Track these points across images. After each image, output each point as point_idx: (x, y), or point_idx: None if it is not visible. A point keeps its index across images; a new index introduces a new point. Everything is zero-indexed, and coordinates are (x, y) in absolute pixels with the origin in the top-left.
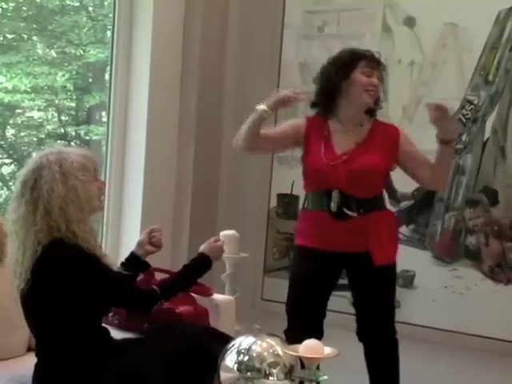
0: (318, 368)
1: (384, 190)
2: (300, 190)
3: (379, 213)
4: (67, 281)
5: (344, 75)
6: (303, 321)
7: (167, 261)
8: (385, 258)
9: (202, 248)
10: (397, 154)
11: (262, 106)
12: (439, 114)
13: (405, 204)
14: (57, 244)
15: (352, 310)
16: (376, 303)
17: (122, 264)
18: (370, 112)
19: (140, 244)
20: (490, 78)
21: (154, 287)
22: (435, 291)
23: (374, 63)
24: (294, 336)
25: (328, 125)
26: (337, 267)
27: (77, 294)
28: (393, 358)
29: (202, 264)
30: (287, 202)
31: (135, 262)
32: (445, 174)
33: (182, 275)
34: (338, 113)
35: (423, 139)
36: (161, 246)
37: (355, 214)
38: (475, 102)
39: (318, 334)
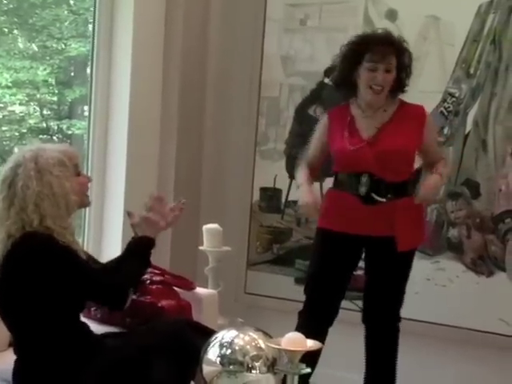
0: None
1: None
2: (282, 184)
3: (407, 198)
4: (38, 272)
5: (352, 68)
6: (321, 302)
7: None
8: (408, 245)
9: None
10: (422, 137)
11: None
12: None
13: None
14: (28, 236)
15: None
16: (389, 287)
17: None
18: (397, 88)
19: None
20: (472, 71)
21: None
22: (418, 283)
23: (379, 54)
24: (308, 318)
25: (350, 110)
26: (358, 250)
27: (49, 285)
28: (393, 345)
29: (141, 242)
30: (270, 195)
31: None
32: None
33: (131, 257)
34: (358, 99)
35: None
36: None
37: (383, 200)
38: (457, 94)
39: (333, 317)
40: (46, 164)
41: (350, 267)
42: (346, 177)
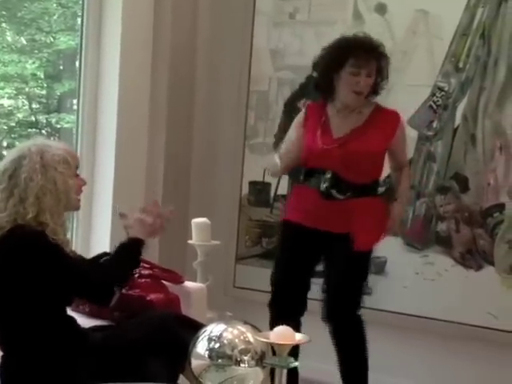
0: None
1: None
2: (272, 178)
3: (368, 199)
4: (25, 265)
5: (333, 71)
6: (287, 294)
7: None
8: (365, 244)
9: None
10: (392, 139)
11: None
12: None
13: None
14: (17, 229)
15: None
16: (345, 283)
17: None
18: (368, 95)
19: None
20: (461, 65)
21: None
22: (406, 278)
23: (363, 59)
24: (277, 309)
25: (326, 110)
26: (318, 246)
27: (35, 280)
28: (361, 336)
29: (133, 243)
30: (259, 189)
31: None
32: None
33: (120, 257)
34: (335, 100)
35: None
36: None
37: (341, 197)
38: (446, 88)
39: (302, 307)
40: (52, 160)
41: (311, 259)
42: (310, 172)
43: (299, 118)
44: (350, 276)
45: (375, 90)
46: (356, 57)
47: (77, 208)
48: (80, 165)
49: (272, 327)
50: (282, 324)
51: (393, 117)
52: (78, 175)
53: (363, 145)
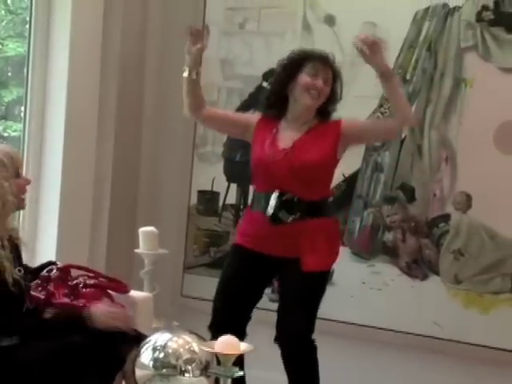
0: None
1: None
2: (220, 187)
3: (317, 219)
4: None
5: (290, 76)
6: (228, 320)
7: (84, 257)
8: (314, 265)
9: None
10: (339, 142)
11: (185, 73)
12: (373, 48)
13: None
14: None
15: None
16: (297, 308)
17: None
18: (323, 113)
19: None
20: (408, 76)
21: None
22: (353, 287)
23: (320, 64)
24: (216, 334)
25: (278, 124)
26: (269, 270)
27: None
28: (312, 363)
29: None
30: (208, 198)
31: None
32: (407, 107)
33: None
34: (287, 113)
35: None
36: None
37: (289, 220)
38: None
39: (241, 335)
40: None
41: (258, 285)
42: (258, 196)
43: (252, 116)
44: (301, 298)
45: (327, 110)
46: (314, 61)
47: (19, 208)
48: (26, 172)
49: None
50: None
51: (335, 125)
52: (19, 175)
53: (307, 155)
